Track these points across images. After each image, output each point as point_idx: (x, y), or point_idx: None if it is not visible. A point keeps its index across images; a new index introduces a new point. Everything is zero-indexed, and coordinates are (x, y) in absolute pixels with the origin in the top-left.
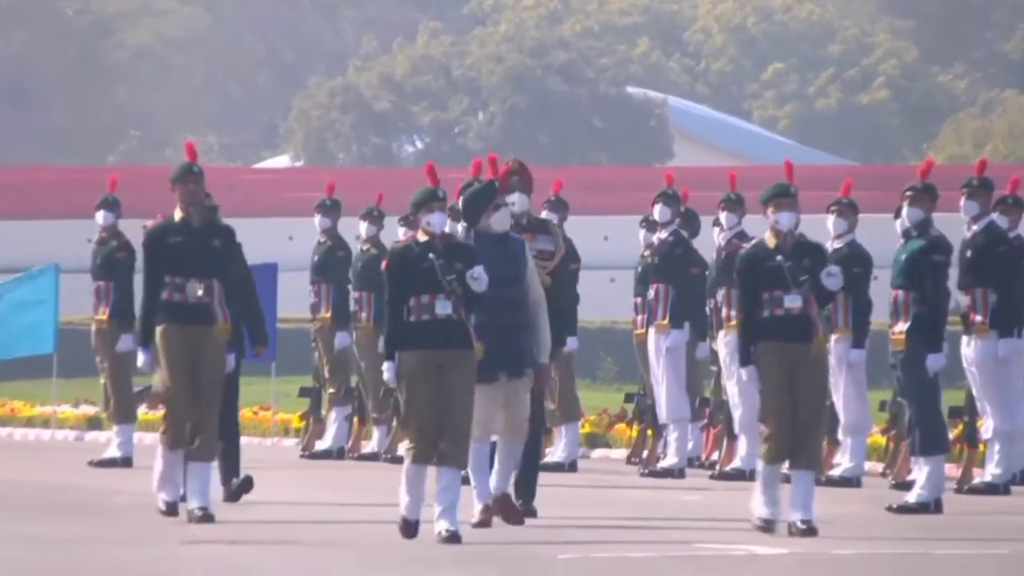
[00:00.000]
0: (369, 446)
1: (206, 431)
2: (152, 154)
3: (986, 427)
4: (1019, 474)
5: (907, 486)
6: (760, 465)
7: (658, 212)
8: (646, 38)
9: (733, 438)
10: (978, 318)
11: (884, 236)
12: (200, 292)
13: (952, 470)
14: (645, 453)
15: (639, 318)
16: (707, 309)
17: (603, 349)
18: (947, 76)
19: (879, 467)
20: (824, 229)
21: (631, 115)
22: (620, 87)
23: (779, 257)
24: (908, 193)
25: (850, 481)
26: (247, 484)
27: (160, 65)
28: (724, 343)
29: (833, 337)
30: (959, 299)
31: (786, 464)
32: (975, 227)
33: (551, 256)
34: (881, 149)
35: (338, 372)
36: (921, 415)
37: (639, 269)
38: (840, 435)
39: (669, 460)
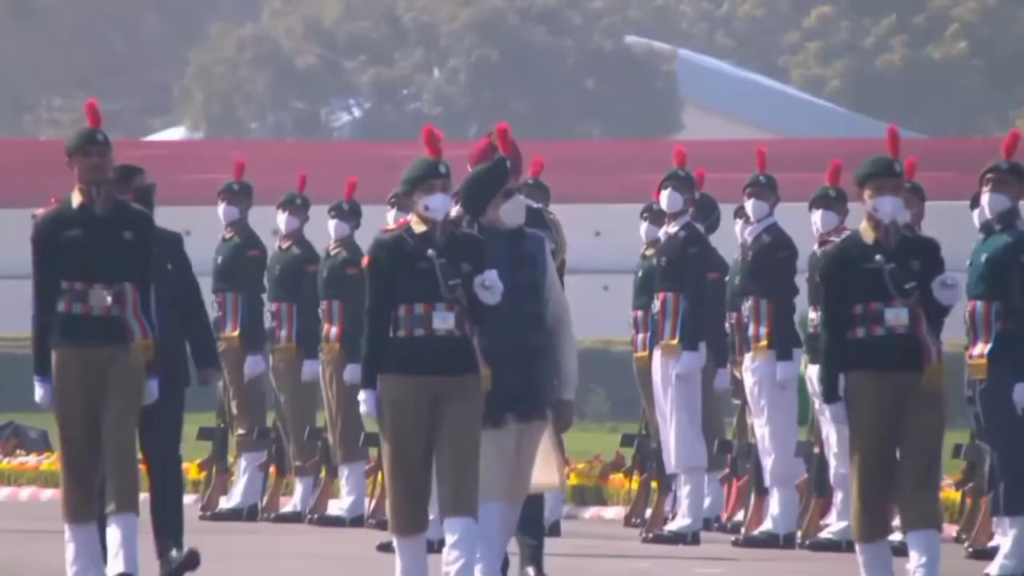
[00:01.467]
0: (290, 503)
1: (122, 476)
2: (6, 123)
3: None
4: None
5: (988, 554)
6: (857, 546)
7: (666, 199)
8: None
9: (763, 493)
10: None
11: (959, 230)
12: (108, 301)
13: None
14: (649, 512)
15: (640, 337)
16: (728, 325)
17: (593, 377)
18: None
19: (952, 529)
20: None
21: (631, 74)
22: (617, 38)
23: (879, 257)
24: (989, 175)
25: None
26: (191, 560)
27: (16, 7)
28: (751, 369)
29: None
30: None
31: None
32: None
33: (552, 256)
34: (956, 118)
35: (249, 408)
36: (1007, 463)
37: (640, 273)
38: None
39: (680, 521)
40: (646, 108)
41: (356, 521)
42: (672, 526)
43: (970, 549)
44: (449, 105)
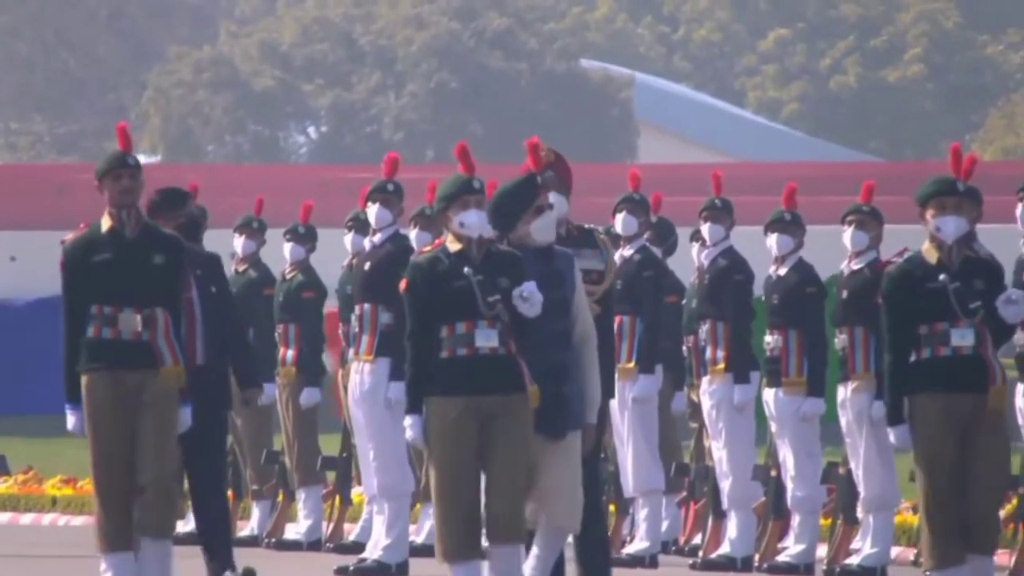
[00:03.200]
0: (247, 528)
1: (161, 508)
2: None
3: None
4: None
5: None
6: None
7: (621, 223)
8: None
9: (720, 516)
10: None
11: None
12: (139, 326)
13: (1003, 557)
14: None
15: None
16: (685, 349)
17: None
18: (997, 47)
19: (910, 553)
20: (839, 244)
21: (587, 98)
22: (573, 61)
23: (943, 277)
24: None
25: (873, 572)
26: None
27: None
28: (708, 393)
29: (850, 385)
30: (1017, 335)
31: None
32: None
33: (600, 278)
34: (913, 142)
35: None
36: None
37: None
38: (860, 512)
39: (638, 544)
40: (602, 131)
41: (314, 545)
42: (630, 549)
43: (927, 573)
44: (406, 129)
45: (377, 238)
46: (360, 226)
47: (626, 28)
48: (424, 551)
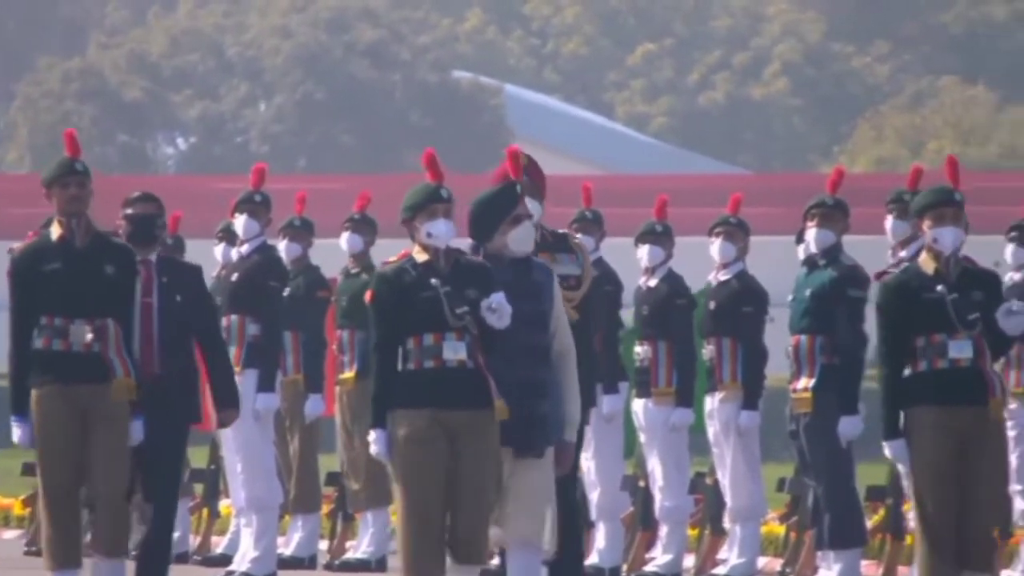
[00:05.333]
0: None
1: (114, 524)
2: None
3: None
4: None
5: None
6: None
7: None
8: (478, 10)
9: (589, 527)
10: (907, 371)
11: (784, 264)
12: (89, 337)
13: (871, 568)
14: None
15: None
16: None
17: None
18: (864, 59)
19: (777, 563)
20: (707, 256)
21: (458, 108)
22: (444, 72)
23: (940, 288)
24: (815, 211)
25: None
26: None
27: None
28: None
29: (717, 395)
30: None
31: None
32: (903, 253)
33: (577, 283)
34: (781, 155)
35: None
36: (831, 497)
37: None
38: (727, 523)
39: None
40: (474, 142)
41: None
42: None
43: None
44: (275, 140)
45: (245, 249)
46: (231, 237)
47: (496, 40)
48: (292, 563)
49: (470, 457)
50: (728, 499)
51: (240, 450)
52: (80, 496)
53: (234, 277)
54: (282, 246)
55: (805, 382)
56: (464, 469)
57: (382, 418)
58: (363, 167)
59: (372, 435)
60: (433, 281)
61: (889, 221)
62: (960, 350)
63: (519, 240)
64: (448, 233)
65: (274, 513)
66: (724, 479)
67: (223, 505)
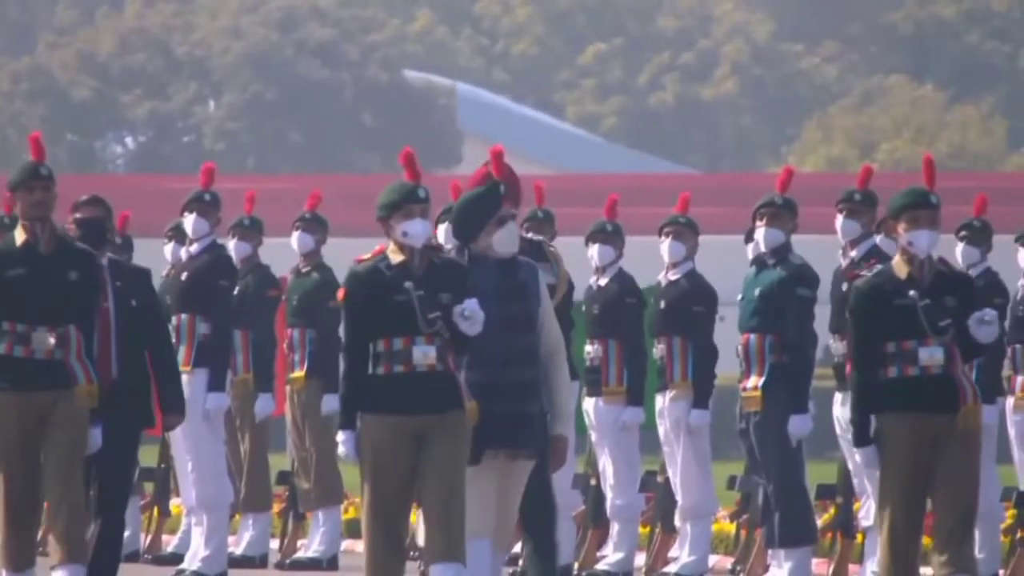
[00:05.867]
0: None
1: (70, 528)
2: None
3: (865, 511)
4: None
5: None
6: None
7: (443, 234)
8: (427, 10)
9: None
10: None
11: (732, 264)
12: (51, 343)
13: (821, 566)
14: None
15: None
16: None
17: None
18: (813, 60)
19: (728, 561)
20: (657, 255)
21: (408, 107)
22: (394, 72)
23: (913, 293)
24: (764, 210)
25: None
26: None
27: None
28: None
29: (668, 394)
30: (831, 345)
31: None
32: (853, 253)
33: (551, 292)
34: (730, 155)
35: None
36: (781, 495)
37: None
38: (677, 521)
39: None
40: (425, 141)
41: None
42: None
43: None
44: (226, 138)
45: (194, 248)
46: (180, 236)
47: (446, 40)
48: (243, 562)
49: (440, 459)
50: (679, 497)
51: (190, 449)
52: (38, 500)
53: (184, 276)
54: (232, 245)
55: (755, 381)
56: (434, 472)
57: (351, 420)
58: (313, 166)
59: (340, 436)
60: (407, 284)
61: (839, 220)
62: (931, 356)
63: (504, 241)
64: (424, 233)
65: (225, 512)
66: (675, 477)
67: (174, 504)
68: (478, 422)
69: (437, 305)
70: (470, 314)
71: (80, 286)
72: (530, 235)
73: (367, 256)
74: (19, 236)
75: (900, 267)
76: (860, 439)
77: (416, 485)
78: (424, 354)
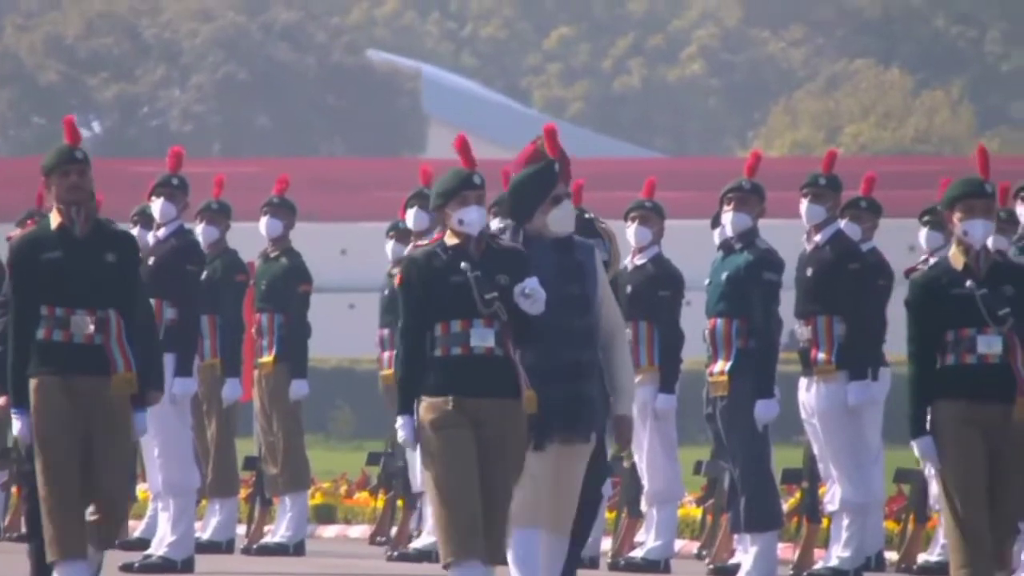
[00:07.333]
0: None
1: (111, 522)
2: None
3: (831, 496)
4: (874, 558)
5: (730, 571)
6: None
7: (412, 218)
8: None
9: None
10: (821, 355)
11: (699, 249)
12: (91, 328)
13: (787, 551)
14: (394, 530)
15: (386, 355)
16: None
17: (339, 395)
18: (779, 44)
19: (694, 546)
20: (623, 240)
21: (375, 90)
22: (360, 54)
23: (970, 283)
24: (731, 195)
25: (657, 565)
26: None
27: None
28: None
29: (635, 379)
30: (797, 330)
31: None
32: (818, 238)
33: (604, 269)
34: (697, 139)
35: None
36: (747, 480)
37: (386, 292)
38: (644, 506)
39: (425, 539)
40: (390, 125)
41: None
42: (417, 544)
43: (711, 566)
44: (194, 121)
45: (161, 232)
46: (147, 220)
47: (414, 24)
48: (210, 547)
49: (494, 449)
50: (645, 482)
51: (157, 434)
52: (82, 488)
53: (151, 261)
54: (199, 230)
55: (721, 365)
56: (486, 461)
57: (409, 404)
58: (279, 150)
59: (399, 421)
60: (463, 265)
61: (804, 205)
62: (989, 345)
63: (560, 220)
64: (480, 220)
65: (191, 497)
66: (641, 462)
67: (140, 489)
68: (538, 406)
69: (495, 286)
70: (531, 292)
71: (118, 269)
72: (588, 214)
73: (425, 243)
74: (54, 220)
75: (956, 258)
76: (916, 430)
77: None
78: (482, 337)
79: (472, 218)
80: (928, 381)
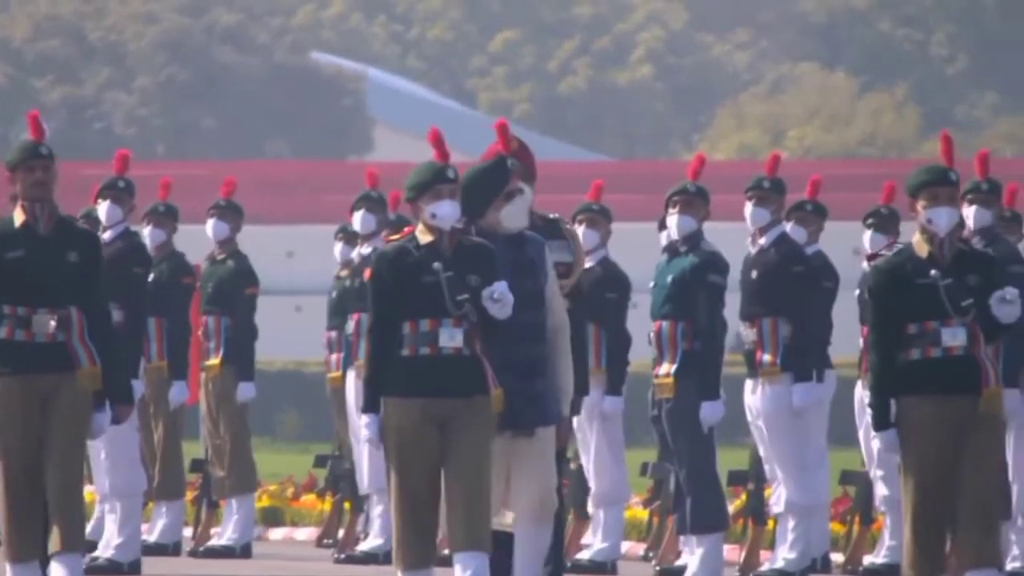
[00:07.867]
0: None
1: (69, 516)
2: None
3: (776, 498)
4: (820, 559)
5: (676, 572)
6: None
7: (359, 220)
8: None
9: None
10: (766, 357)
11: (645, 252)
12: (53, 326)
13: (733, 552)
14: (341, 533)
15: (333, 357)
16: None
17: (286, 398)
18: (724, 47)
19: (640, 548)
20: None
21: (319, 91)
22: (303, 55)
23: (934, 272)
24: (677, 198)
25: (604, 566)
26: None
27: None
28: None
29: None
30: (742, 332)
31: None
32: (763, 240)
33: (568, 271)
34: (644, 141)
35: None
36: (693, 481)
37: (334, 295)
38: (590, 507)
39: (372, 541)
40: (335, 127)
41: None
42: (364, 547)
43: (657, 567)
44: (139, 123)
45: (107, 235)
46: (93, 223)
47: (360, 26)
48: (157, 550)
49: (464, 446)
50: (592, 484)
51: (104, 437)
52: (40, 488)
53: None
54: (146, 232)
55: (667, 367)
56: (458, 459)
57: (375, 403)
58: (224, 152)
59: (365, 419)
60: (435, 265)
61: (749, 208)
62: (953, 337)
63: (512, 216)
64: (453, 214)
65: (138, 500)
66: (588, 464)
67: (87, 491)
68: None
69: (466, 287)
70: (500, 296)
71: (81, 267)
72: (552, 215)
73: (396, 237)
74: (18, 217)
75: (920, 246)
76: (880, 423)
77: (440, 473)
78: (451, 337)
79: (445, 212)
80: (891, 371)
